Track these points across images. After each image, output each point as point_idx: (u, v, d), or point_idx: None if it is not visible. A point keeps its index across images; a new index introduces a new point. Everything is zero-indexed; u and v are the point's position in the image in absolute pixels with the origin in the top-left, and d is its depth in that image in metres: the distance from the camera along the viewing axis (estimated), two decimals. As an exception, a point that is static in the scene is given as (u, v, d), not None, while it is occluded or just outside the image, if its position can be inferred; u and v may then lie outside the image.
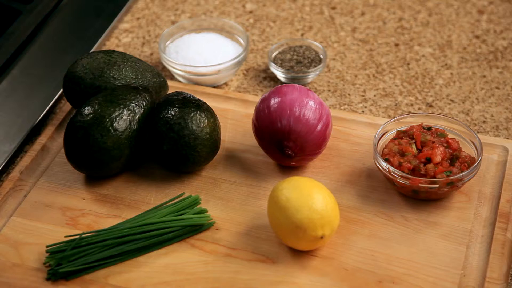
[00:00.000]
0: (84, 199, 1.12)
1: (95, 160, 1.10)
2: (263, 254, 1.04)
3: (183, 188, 1.13)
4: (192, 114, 1.11)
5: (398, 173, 1.08)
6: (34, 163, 1.17)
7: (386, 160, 1.09)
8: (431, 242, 1.05)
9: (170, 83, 1.28)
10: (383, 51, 1.38)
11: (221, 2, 1.49)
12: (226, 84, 1.32)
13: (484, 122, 1.25)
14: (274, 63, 1.31)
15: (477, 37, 1.41)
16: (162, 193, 1.13)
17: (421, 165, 1.08)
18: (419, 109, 1.27)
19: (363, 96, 1.29)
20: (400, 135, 1.13)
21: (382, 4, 1.48)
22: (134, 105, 1.12)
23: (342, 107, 1.27)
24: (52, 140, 1.20)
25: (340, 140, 1.19)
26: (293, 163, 1.14)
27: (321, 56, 1.32)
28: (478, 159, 1.09)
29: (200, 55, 1.31)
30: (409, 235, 1.06)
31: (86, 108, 1.11)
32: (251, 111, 1.23)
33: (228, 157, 1.18)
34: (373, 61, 1.36)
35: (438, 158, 1.08)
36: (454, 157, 1.09)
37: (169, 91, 1.25)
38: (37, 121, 1.24)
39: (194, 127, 1.10)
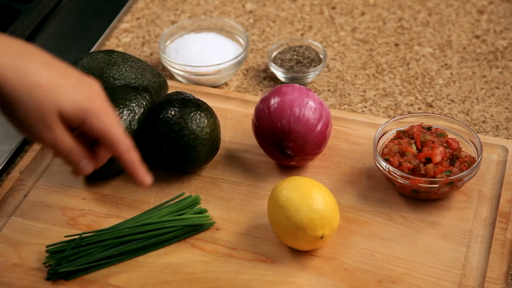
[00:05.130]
0: (84, 199, 1.12)
1: (95, 160, 1.10)
2: (263, 254, 1.04)
3: (183, 188, 1.13)
4: (192, 114, 1.11)
5: (398, 173, 1.08)
6: (34, 163, 1.17)
7: (386, 160, 1.09)
8: (431, 242, 1.05)
9: (170, 83, 1.28)
10: (383, 51, 1.38)
11: (221, 2, 1.49)
12: (226, 84, 1.32)
13: (484, 122, 1.25)
14: (274, 63, 1.31)
15: (477, 37, 1.41)
16: (162, 193, 1.12)
17: (421, 165, 1.08)
18: (419, 109, 1.27)
19: (363, 96, 1.29)
20: (400, 135, 1.13)
21: (382, 4, 1.48)
22: (134, 105, 1.12)
23: (342, 107, 1.27)
24: (52, 140, 1.20)
25: (340, 140, 1.19)
26: (293, 163, 1.14)
27: (321, 56, 1.32)
28: (478, 159, 1.09)
29: (200, 55, 1.30)
30: (409, 235, 1.06)
31: (86, 108, 1.11)
32: (251, 111, 1.22)
33: (228, 157, 1.18)
34: (373, 61, 1.36)
35: (438, 158, 1.08)
36: (454, 157, 1.09)
37: (169, 91, 1.25)
38: (37, 121, 1.23)
39: (194, 127, 1.10)
